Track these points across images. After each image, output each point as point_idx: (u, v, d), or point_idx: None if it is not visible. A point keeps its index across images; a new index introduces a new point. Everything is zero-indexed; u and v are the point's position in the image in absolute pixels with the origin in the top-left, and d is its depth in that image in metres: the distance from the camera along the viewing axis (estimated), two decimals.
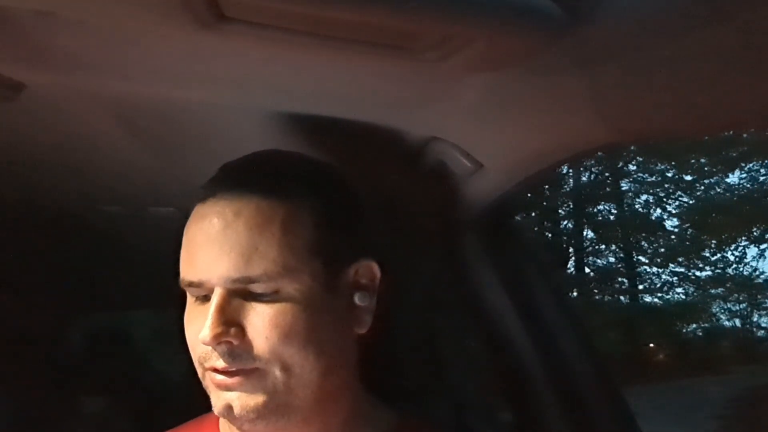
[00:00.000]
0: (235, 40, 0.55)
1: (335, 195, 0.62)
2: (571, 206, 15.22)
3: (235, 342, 0.55)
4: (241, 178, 0.59)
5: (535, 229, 14.14)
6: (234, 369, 0.56)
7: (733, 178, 13.83)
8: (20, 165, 0.91)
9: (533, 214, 13.83)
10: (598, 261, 15.75)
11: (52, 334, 1.73)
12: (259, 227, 0.56)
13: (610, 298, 15.69)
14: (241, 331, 0.56)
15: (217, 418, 0.68)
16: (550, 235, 15.05)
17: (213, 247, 0.56)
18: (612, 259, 15.75)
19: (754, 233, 13.99)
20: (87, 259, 1.35)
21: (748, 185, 13.62)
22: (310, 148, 0.78)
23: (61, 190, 1.03)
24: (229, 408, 0.57)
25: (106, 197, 1.07)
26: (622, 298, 15.74)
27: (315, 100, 0.74)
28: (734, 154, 13.06)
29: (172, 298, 0.64)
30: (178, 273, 0.60)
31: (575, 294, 14.38)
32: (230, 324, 0.55)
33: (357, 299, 0.61)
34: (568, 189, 14.81)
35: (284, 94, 0.73)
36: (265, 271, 0.55)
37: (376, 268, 0.62)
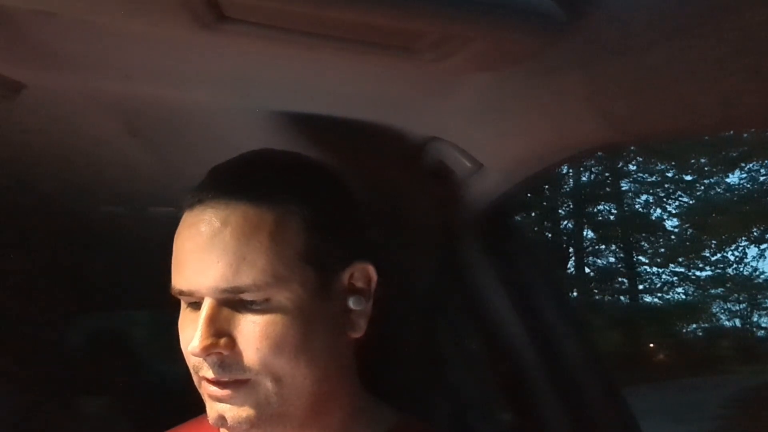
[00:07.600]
0: (235, 40, 0.55)
1: (327, 198, 0.60)
2: (571, 206, 15.22)
3: (225, 353, 0.55)
4: (228, 183, 0.57)
5: (535, 229, 14.14)
6: (225, 380, 0.55)
7: (733, 178, 13.88)
8: (20, 165, 0.91)
9: (533, 214, 13.83)
10: (598, 261, 15.77)
11: (52, 334, 1.73)
12: (246, 236, 0.55)
13: (610, 298, 15.70)
14: (232, 341, 0.55)
15: None
16: (550, 235, 15.05)
17: (201, 256, 0.55)
18: (612, 259, 15.78)
19: (754, 233, 14.00)
20: (87, 259, 1.35)
21: (748, 185, 13.64)
22: (310, 148, 0.78)
23: (61, 191, 1.02)
24: (222, 418, 0.57)
25: (106, 197, 1.07)
26: (622, 298, 15.75)
27: (315, 100, 0.74)
28: (734, 154, 13.08)
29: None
30: None
31: (575, 294, 14.39)
32: (220, 334, 0.55)
33: (351, 303, 0.60)
34: (568, 189, 14.83)
35: (284, 93, 0.73)
36: (254, 280, 0.54)
37: (371, 271, 0.61)
